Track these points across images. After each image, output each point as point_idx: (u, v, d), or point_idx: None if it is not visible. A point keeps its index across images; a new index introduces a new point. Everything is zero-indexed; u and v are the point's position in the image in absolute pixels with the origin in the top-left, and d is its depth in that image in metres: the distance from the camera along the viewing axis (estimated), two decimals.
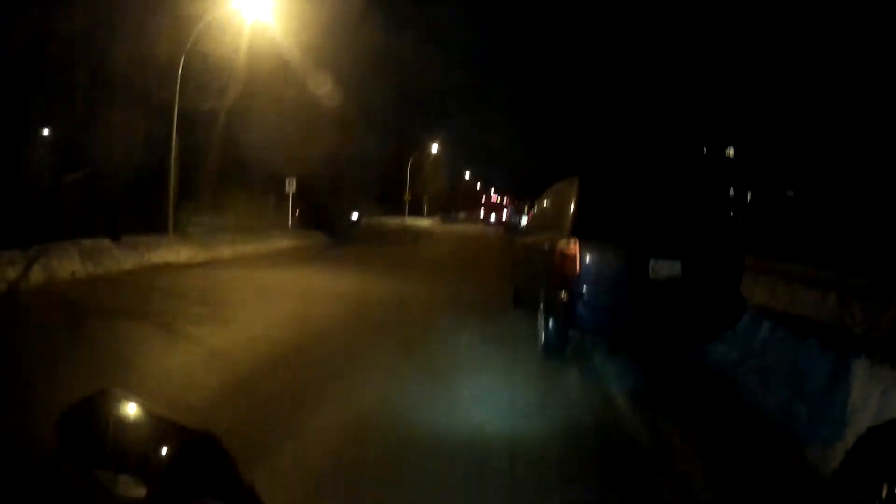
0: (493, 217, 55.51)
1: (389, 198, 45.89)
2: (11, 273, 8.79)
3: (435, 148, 55.85)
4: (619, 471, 4.40)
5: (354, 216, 34.69)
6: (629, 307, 6.60)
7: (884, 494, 2.31)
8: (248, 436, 4.03)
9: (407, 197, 47.36)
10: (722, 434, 5.25)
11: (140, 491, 0.81)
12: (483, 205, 63.96)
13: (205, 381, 5.47)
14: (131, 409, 0.94)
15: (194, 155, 19.48)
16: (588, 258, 6.52)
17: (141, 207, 16.89)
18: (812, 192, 36.30)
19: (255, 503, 0.82)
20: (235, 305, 9.00)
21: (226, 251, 15.70)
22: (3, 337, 6.66)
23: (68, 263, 10.42)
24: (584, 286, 6.50)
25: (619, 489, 4.12)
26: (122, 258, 12.01)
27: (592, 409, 5.63)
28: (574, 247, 6.55)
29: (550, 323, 7.05)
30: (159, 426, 0.90)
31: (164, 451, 0.84)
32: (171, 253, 13.68)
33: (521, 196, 53.05)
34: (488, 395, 5.81)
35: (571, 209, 6.93)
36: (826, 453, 4.53)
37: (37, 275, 9.30)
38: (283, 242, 19.47)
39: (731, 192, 39.76)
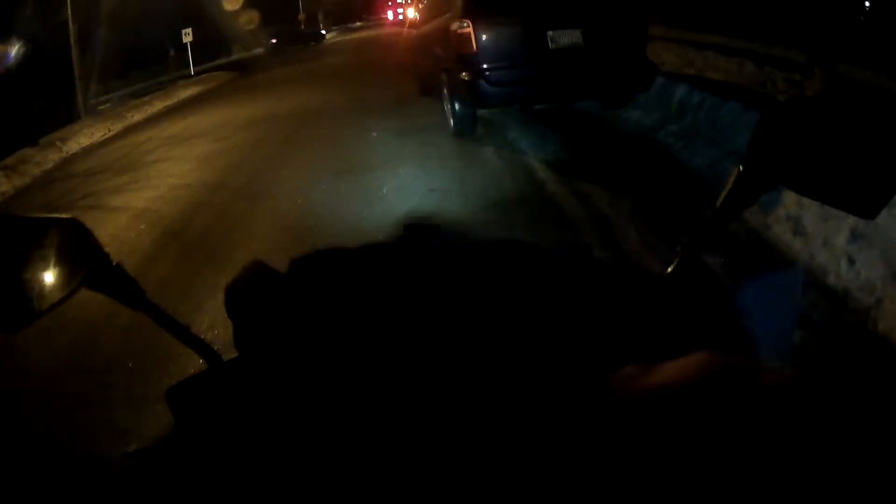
0: (391, 16, 54.06)
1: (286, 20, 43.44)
2: None
3: None
4: (551, 242, 4.41)
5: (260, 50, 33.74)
6: (532, 78, 6.75)
7: None
8: (188, 276, 4.58)
9: (301, 17, 45.42)
10: (653, 197, 5.14)
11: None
12: (390, 7, 61.93)
13: (136, 242, 5.83)
14: None
15: (85, 33, 18.61)
16: (483, 35, 6.65)
17: (48, 102, 16.38)
18: None
19: (125, 278, 0.82)
20: (153, 164, 9.20)
21: (137, 116, 15.58)
22: None
23: None
24: (484, 63, 6.67)
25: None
26: (43, 159, 11.96)
27: (515, 183, 5.87)
28: (468, 25, 6.67)
29: (456, 105, 7.33)
30: (23, 224, 0.85)
31: (39, 245, 0.81)
32: (86, 136, 13.62)
33: None
34: (406, 183, 6.15)
35: None
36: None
37: None
38: (189, 91, 19.22)
39: None
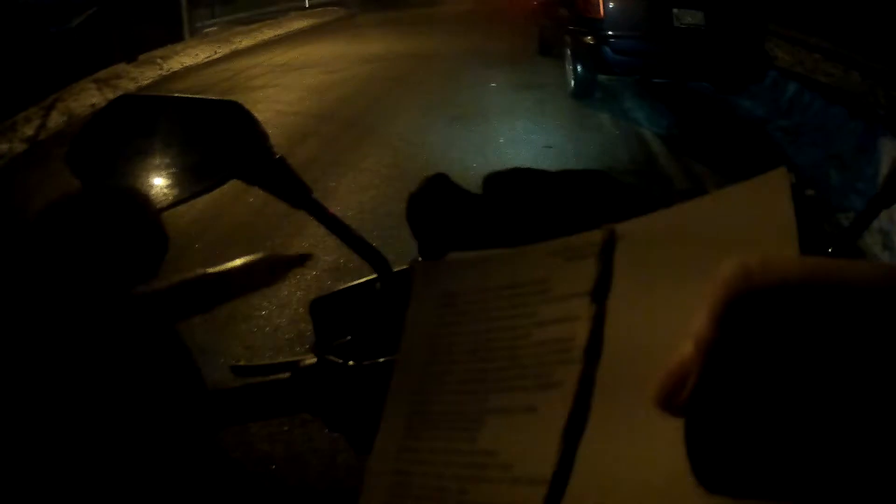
0: None
1: None
2: (28, 130, 8.82)
3: None
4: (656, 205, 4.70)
5: None
6: (655, 51, 6.99)
7: None
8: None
9: None
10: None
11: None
12: None
13: None
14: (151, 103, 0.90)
15: None
16: (611, 3, 6.96)
17: (153, 26, 16.58)
18: None
19: (288, 173, 0.78)
20: (259, 89, 9.11)
21: (245, 41, 15.52)
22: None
23: (86, 98, 10.49)
24: (609, 30, 6.91)
25: None
26: (140, 76, 12.03)
27: (628, 150, 5.94)
28: None
29: (578, 67, 7.50)
30: (187, 104, 0.85)
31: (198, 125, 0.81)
32: (189, 57, 13.61)
33: None
34: (522, 136, 6.16)
35: None
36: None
37: (55, 120, 9.39)
38: (301, 23, 19.06)
39: None
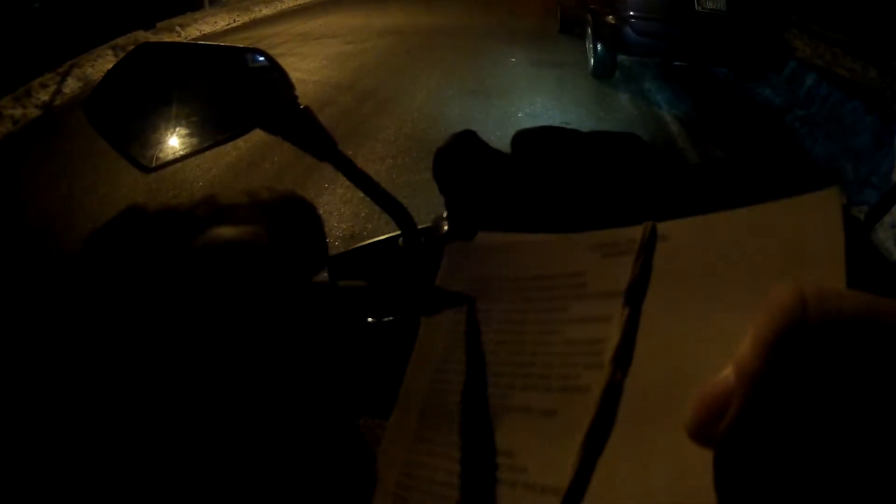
0: None
1: None
2: (44, 96, 8.88)
3: None
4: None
5: None
6: (675, 35, 7.07)
7: None
8: (303, 170, 4.51)
9: None
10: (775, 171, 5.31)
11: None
12: None
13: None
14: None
15: None
16: None
17: None
18: None
19: (313, 124, 0.75)
20: (278, 57, 9.02)
21: (266, 10, 15.60)
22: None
23: (103, 64, 10.59)
24: (631, 10, 7.03)
25: None
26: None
27: (647, 133, 5.98)
28: None
29: (599, 46, 7.63)
30: (210, 52, 0.83)
31: (219, 72, 0.81)
32: (208, 25, 13.72)
33: None
34: (540, 112, 6.27)
35: None
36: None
37: (71, 85, 9.51)
38: None
39: None
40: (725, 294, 0.34)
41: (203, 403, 0.43)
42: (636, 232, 0.40)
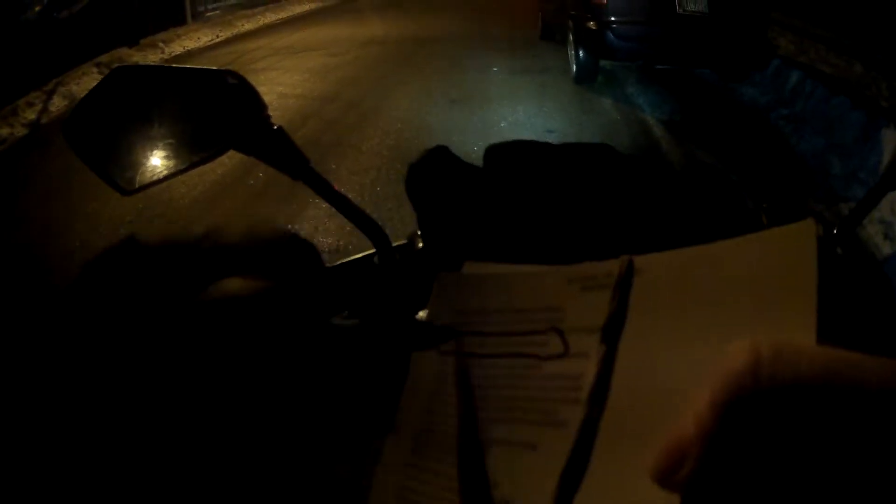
0: None
1: None
2: (30, 114, 8.86)
3: None
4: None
5: None
6: (657, 37, 7.15)
7: None
8: (287, 184, 4.59)
9: None
10: (763, 175, 5.24)
11: None
12: None
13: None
14: None
15: None
16: None
17: (153, 5, 16.67)
18: None
19: (287, 144, 0.77)
20: (262, 72, 9.30)
21: (247, 25, 15.74)
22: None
23: (88, 81, 10.64)
24: (612, 15, 7.08)
25: None
26: (142, 60, 12.17)
27: (631, 137, 6.02)
28: None
29: (580, 52, 7.68)
30: (184, 74, 0.85)
31: (191, 95, 0.82)
32: (191, 40, 13.81)
33: None
34: (523, 120, 6.33)
35: None
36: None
37: (57, 104, 9.55)
38: (304, 6, 19.28)
39: None
40: (700, 329, 0.35)
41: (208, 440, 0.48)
42: (613, 266, 0.41)
